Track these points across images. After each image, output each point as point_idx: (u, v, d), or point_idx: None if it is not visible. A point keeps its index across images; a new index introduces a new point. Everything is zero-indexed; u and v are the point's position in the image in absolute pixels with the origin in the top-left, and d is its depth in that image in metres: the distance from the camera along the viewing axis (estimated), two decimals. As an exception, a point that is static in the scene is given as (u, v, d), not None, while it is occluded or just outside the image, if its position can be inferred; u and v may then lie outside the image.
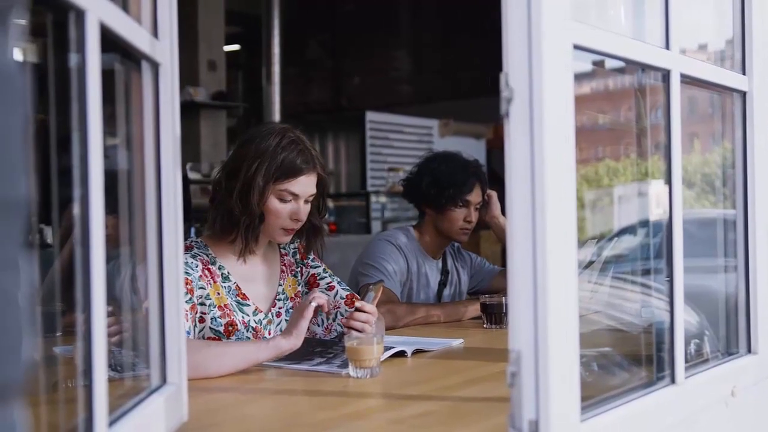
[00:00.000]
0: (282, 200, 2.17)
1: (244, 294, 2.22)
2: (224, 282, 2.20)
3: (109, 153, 1.10)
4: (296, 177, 2.17)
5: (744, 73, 1.80)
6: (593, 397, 1.33)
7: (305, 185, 2.19)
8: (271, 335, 2.23)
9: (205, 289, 2.13)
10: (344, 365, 1.91)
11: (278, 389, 1.79)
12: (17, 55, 0.59)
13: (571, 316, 1.20)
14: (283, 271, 2.35)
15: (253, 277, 2.27)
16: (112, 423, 1.08)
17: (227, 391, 1.81)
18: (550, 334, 1.14)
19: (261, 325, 2.23)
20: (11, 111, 0.58)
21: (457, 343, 2.34)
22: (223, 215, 2.18)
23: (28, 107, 0.60)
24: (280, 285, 2.33)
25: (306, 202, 2.21)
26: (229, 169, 2.19)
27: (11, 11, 0.58)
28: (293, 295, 2.35)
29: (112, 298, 1.15)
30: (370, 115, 8.15)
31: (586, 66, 1.43)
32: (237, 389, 1.82)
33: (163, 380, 1.36)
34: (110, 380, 1.06)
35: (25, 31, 0.63)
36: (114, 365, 1.30)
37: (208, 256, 2.20)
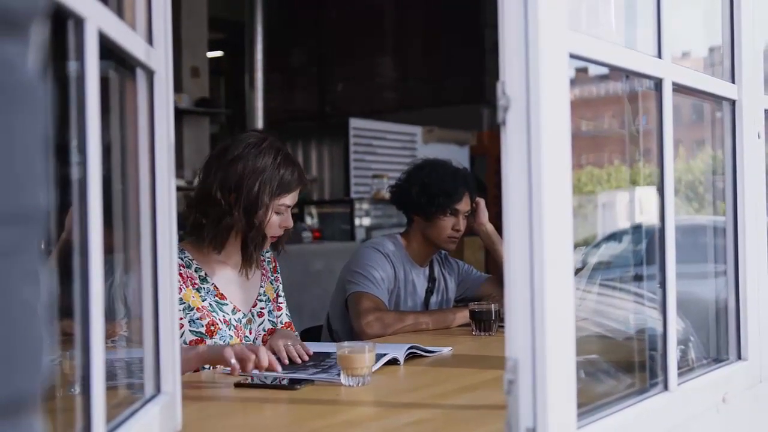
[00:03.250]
0: (277, 213, 2.28)
1: (222, 294, 2.29)
2: (202, 283, 2.26)
3: (102, 160, 1.10)
4: (293, 191, 2.30)
5: (733, 82, 1.81)
6: (588, 404, 1.33)
7: (296, 196, 2.33)
8: (252, 334, 2.33)
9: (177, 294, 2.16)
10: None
11: (271, 398, 1.79)
12: (36, 65, 0.59)
13: (568, 323, 1.20)
14: (264, 275, 2.44)
15: (233, 279, 2.34)
16: (108, 433, 1.08)
17: (220, 401, 1.80)
18: (548, 342, 1.15)
19: (241, 323, 2.30)
20: (31, 121, 0.57)
21: (446, 350, 2.34)
22: (224, 231, 2.24)
23: (48, 117, 0.60)
24: (262, 287, 2.41)
25: (291, 210, 2.34)
26: (221, 184, 2.22)
27: (31, 22, 0.58)
28: (272, 299, 2.45)
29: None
30: (354, 122, 8.14)
31: (570, 72, 1.44)
32: (230, 398, 1.81)
33: (158, 390, 1.35)
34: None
35: (44, 40, 0.63)
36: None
37: (183, 259, 2.25)
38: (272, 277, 2.48)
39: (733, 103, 1.82)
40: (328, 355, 2.18)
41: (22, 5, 0.57)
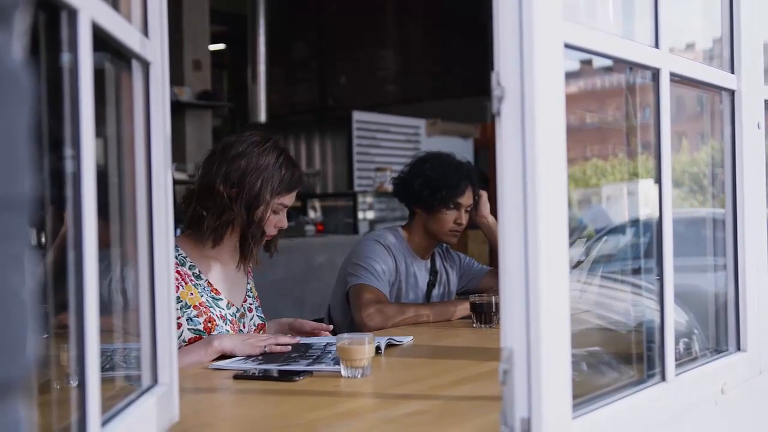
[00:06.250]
0: (274, 212, 2.31)
1: (216, 289, 2.32)
2: (197, 280, 2.28)
3: (99, 153, 1.10)
4: (293, 191, 2.34)
5: (732, 72, 1.80)
6: (584, 395, 1.33)
7: (294, 197, 2.37)
8: (246, 328, 2.37)
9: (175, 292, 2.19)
10: (338, 362, 1.90)
11: (269, 389, 1.79)
12: (21, 54, 0.60)
13: (563, 314, 1.20)
14: (249, 273, 2.48)
15: (224, 275, 2.37)
16: (104, 423, 1.08)
17: (218, 392, 1.81)
18: (543, 332, 1.15)
19: (235, 318, 2.34)
20: (16, 110, 0.58)
21: (407, 340, 2.36)
22: (224, 225, 2.27)
23: (31, 106, 0.60)
24: (248, 283, 2.46)
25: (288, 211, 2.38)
26: (224, 179, 2.26)
27: (15, 11, 0.58)
28: (256, 297, 2.49)
29: (101, 300, 1.14)
30: (357, 115, 8.13)
31: (574, 65, 1.44)
32: (228, 389, 1.81)
33: (155, 381, 1.35)
34: (101, 380, 1.06)
35: (27, 29, 0.63)
36: (104, 366, 1.29)
37: (177, 257, 2.27)
38: (253, 276, 2.54)
39: (732, 93, 1.81)
40: (309, 346, 2.20)
41: (4, -5, 0.57)
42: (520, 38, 1.15)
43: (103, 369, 1.14)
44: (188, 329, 2.20)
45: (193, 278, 2.27)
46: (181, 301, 2.21)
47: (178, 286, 2.21)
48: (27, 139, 0.59)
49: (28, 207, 0.60)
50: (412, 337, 2.40)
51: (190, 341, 2.19)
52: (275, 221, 2.32)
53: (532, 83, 1.14)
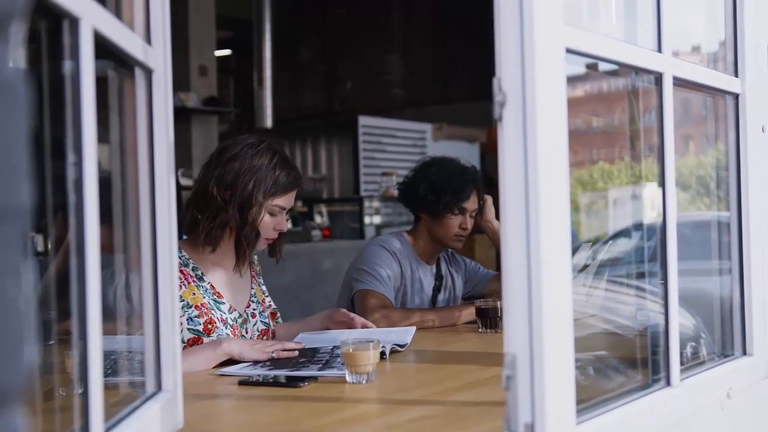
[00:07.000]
0: (271, 214, 2.31)
1: (218, 293, 2.32)
2: (200, 282, 2.29)
3: (101, 160, 1.10)
4: (288, 193, 2.32)
5: (736, 75, 1.80)
6: (589, 399, 1.33)
7: (292, 199, 2.35)
8: (248, 333, 2.37)
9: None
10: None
11: (274, 395, 1.79)
12: (18, 62, 0.60)
13: (566, 318, 1.20)
14: (253, 277, 2.48)
15: (227, 280, 2.37)
16: (107, 430, 1.08)
17: (222, 398, 1.81)
18: (545, 337, 1.15)
19: (237, 323, 2.34)
20: (13, 118, 0.58)
21: (410, 334, 2.37)
22: (219, 227, 2.27)
23: (29, 115, 0.60)
24: (252, 288, 2.45)
25: (287, 213, 2.37)
26: (218, 181, 2.26)
27: (12, 20, 0.59)
28: (261, 301, 2.48)
29: (106, 306, 1.15)
30: (363, 120, 8.14)
31: (579, 69, 1.44)
32: (232, 395, 1.81)
33: (159, 387, 1.36)
34: (105, 387, 1.06)
35: (24, 39, 0.64)
36: (107, 371, 1.29)
37: (180, 258, 2.27)
38: (259, 280, 2.53)
39: (736, 96, 1.81)
40: (315, 350, 2.20)
41: (1, 6, 0.57)
42: (521, 43, 1.15)
43: (106, 374, 1.14)
44: (188, 329, 2.21)
45: (195, 279, 2.28)
46: (183, 300, 2.21)
47: (180, 285, 2.21)
48: (25, 149, 0.60)
49: (26, 216, 0.60)
50: (414, 328, 2.42)
51: (189, 342, 2.19)
52: (273, 224, 2.31)
53: (533, 88, 1.14)
